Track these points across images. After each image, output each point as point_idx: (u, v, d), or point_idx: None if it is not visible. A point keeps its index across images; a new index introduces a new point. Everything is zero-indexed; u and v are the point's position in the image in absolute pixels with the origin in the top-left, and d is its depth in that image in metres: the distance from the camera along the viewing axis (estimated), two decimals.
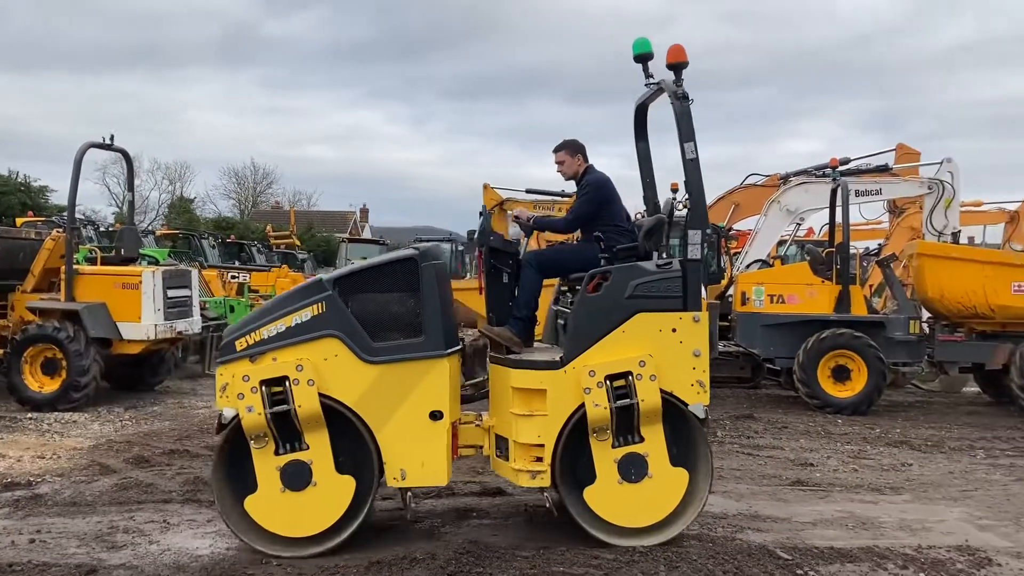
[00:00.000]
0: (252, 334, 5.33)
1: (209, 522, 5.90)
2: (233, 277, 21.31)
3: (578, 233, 6.49)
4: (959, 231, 13.87)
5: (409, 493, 5.59)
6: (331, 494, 5.28)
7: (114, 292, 10.65)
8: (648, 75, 5.95)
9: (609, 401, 5.36)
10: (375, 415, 5.32)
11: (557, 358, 5.53)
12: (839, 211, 12.04)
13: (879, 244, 16.29)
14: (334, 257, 35.11)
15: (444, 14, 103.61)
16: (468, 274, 27.67)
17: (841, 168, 13.43)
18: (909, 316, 11.81)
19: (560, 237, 9.90)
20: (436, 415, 5.35)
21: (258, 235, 35.55)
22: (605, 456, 5.43)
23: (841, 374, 11.21)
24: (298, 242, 32.98)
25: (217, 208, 57.60)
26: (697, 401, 5.49)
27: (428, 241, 30.90)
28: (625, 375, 5.38)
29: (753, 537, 5.69)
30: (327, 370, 5.28)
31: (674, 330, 5.48)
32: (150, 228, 33.42)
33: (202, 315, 12.54)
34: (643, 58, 5.91)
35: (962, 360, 11.90)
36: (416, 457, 5.35)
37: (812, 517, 6.29)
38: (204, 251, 24.43)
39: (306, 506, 5.25)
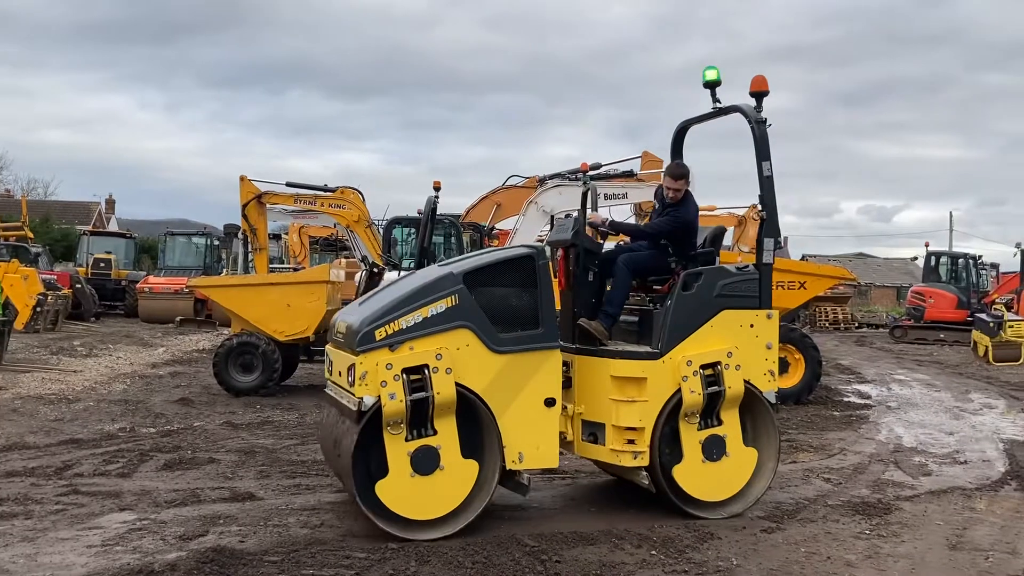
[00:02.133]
0: (390, 324, 5.51)
1: None
2: None
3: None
4: None
5: (527, 476, 6.06)
6: (457, 478, 5.58)
7: None
8: (716, 100, 6.65)
9: (702, 388, 6.04)
10: (499, 402, 5.68)
11: (653, 349, 6.12)
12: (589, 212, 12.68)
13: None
14: (74, 251, 32.46)
15: None
16: (224, 270, 26.50)
17: (591, 172, 14.16)
18: None
19: None
20: (550, 402, 5.82)
21: None
22: (691, 437, 6.12)
23: None
24: (31, 234, 30.15)
25: None
26: (769, 388, 6.30)
27: (181, 235, 29.28)
28: (714, 365, 6.10)
29: (504, 527, 5.87)
30: (460, 359, 5.59)
31: (752, 325, 6.28)
32: None
33: None
34: (712, 84, 6.59)
35: None
36: (532, 441, 5.78)
37: (556, 504, 6.60)
38: None
39: (433, 490, 5.51)
